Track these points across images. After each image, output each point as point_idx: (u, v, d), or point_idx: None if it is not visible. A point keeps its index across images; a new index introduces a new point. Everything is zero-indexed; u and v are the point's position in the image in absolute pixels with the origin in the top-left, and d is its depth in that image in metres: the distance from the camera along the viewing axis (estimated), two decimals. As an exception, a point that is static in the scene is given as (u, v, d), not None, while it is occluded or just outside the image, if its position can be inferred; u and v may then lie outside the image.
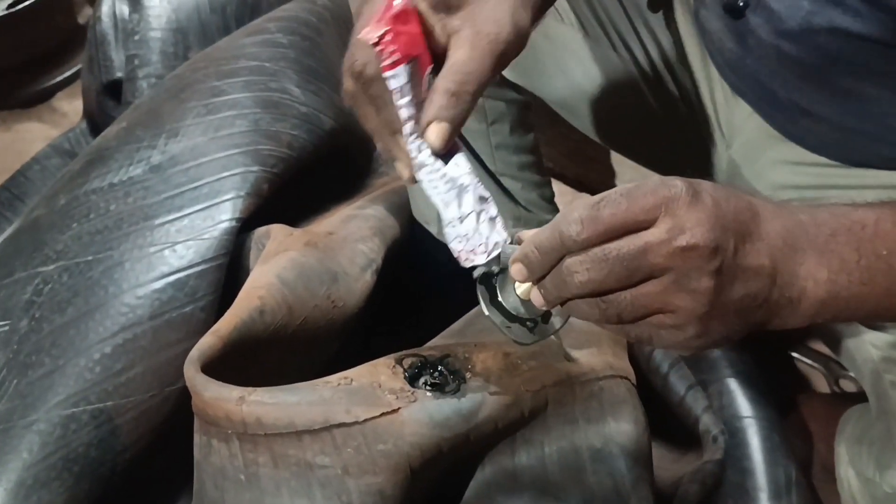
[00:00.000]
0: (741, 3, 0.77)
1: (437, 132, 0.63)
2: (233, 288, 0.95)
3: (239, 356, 0.82)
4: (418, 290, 1.18)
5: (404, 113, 0.65)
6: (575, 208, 0.56)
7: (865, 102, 0.76)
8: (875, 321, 0.69)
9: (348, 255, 0.99)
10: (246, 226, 1.01)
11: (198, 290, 0.95)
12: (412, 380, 0.76)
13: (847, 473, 0.98)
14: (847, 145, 0.84)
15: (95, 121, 1.53)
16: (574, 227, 0.56)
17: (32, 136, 1.66)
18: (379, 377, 0.75)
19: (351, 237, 1.03)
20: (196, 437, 0.78)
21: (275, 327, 0.86)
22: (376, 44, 0.63)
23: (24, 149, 1.60)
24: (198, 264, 0.96)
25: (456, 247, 0.66)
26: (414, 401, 0.73)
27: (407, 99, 0.65)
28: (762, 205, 0.58)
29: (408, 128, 0.66)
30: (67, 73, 1.75)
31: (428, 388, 0.75)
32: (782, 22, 0.73)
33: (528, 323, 0.67)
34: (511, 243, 0.65)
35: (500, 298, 0.67)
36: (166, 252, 0.97)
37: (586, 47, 1.01)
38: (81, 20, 1.78)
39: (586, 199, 0.57)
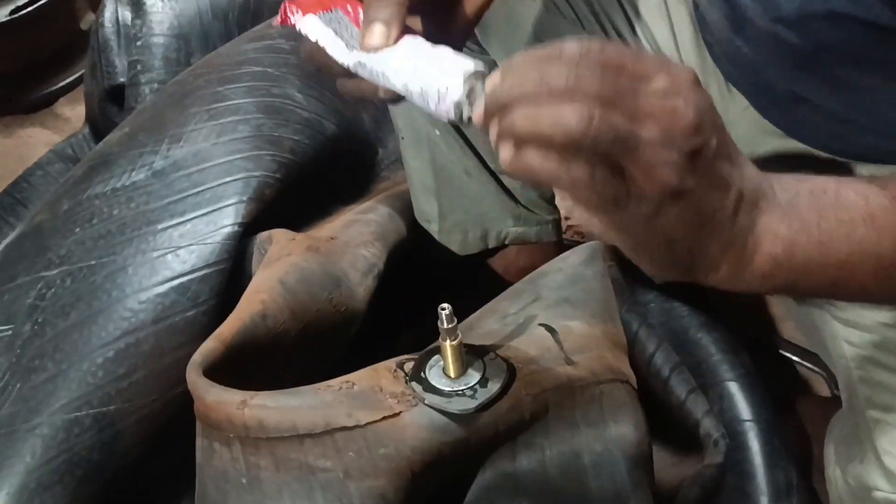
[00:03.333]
0: None
1: (371, 32, 0.63)
2: (235, 293, 0.95)
3: (241, 360, 0.82)
4: (420, 293, 1.18)
5: (341, 51, 0.65)
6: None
7: (858, 92, 0.76)
8: (826, 297, 0.67)
9: (350, 259, 1.00)
10: (248, 230, 1.02)
11: (200, 294, 0.96)
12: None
13: (835, 474, 0.99)
14: (841, 135, 0.84)
15: (98, 126, 1.53)
16: (574, 48, 0.51)
17: (35, 141, 1.67)
18: (380, 381, 0.75)
19: (353, 242, 1.03)
20: (198, 441, 0.78)
21: (277, 332, 0.87)
22: (283, 22, 0.68)
23: (26, 154, 1.61)
24: (200, 269, 0.97)
25: (434, 108, 0.60)
26: (415, 405, 0.73)
27: (339, 40, 0.65)
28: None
29: (353, 56, 0.65)
30: (70, 79, 1.76)
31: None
32: (779, 9, 0.73)
33: (466, 392, 0.72)
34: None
35: (433, 384, 0.73)
36: (169, 257, 0.97)
37: None
38: (84, 26, 1.79)
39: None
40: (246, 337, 0.83)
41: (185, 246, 0.98)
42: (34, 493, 0.89)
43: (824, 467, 1.00)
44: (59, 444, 0.90)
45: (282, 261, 0.95)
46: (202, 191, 1.03)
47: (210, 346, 0.80)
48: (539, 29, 1.03)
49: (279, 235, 1.02)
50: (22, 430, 0.91)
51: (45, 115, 1.73)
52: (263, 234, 1.04)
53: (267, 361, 0.87)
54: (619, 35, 1.01)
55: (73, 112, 1.72)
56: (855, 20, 0.68)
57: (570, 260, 0.97)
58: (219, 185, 1.03)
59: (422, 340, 0.91)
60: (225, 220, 1.00)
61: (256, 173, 1.04)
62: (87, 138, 1.58)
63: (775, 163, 0.93)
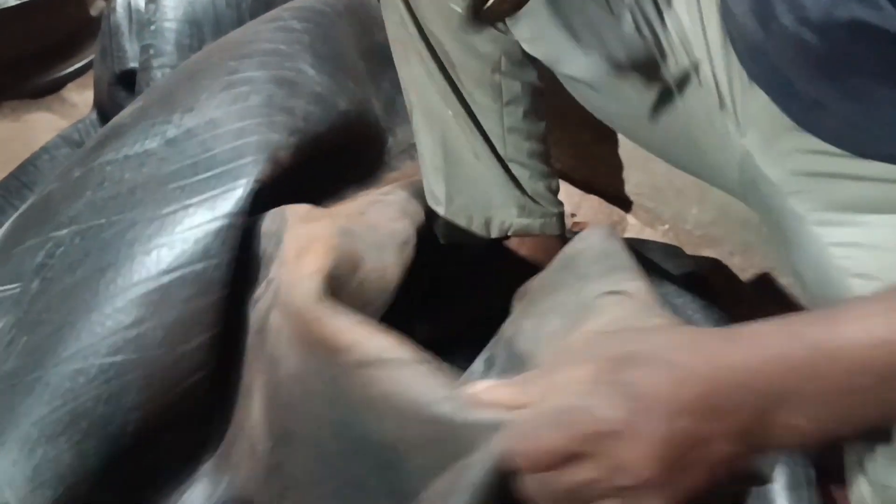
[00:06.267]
0: None
1: None
2: (246, 252, 0.95)
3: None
4: (432, 275, 1.18)
5: None
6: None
7: (873, 103, 0.77)
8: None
9: (386, 230, 0.99)
10: (262, 192, 1.00)
11: (211, 248, 0.94)
12: None
13: (858, 479, 0.97)
14: (858, 139, 0.84)
15: (106, 111, 1.54)
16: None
17: (42, 126, 1.67)
18: None
19: (383, 217, 1.03)
20: None
21: (340, 281, 0.87)
22: None
23: (33, 139, 1.61)
24: (211, 221, 0.95)
25: None
26: None
27: None
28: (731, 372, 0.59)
29: None
30: (78, 65, 1.76)
31: None
32: (805, 10, 0.74)
33: None
34: None
35: None
36: (179, 213, 0.96)
37: (610, 27, 1.01)
38: (94, 12, 1.80)
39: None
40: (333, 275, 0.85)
41: (197, 202, 0.96)
42: (37, 443, 0.87)
43: (845, 470, 0.99)
44: (63, 394, 0.88)
45: (327, 220, 0.94)
46: (216, 154, 1.01)
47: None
48: (567, 9, 1.03)
49: (295, 207, 1.01)
50: (26, 381, 0.89)
51: (53, 100, 1.73)
52: (275, 210, 1.02)
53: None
54: (648, 22, 1.01)
55: (81, 98, 1.72)
56: (878, 31, 0.69)
57: (589, 241, 0.94)
58: (232, 147, 1.02)
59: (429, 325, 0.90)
60: (240, 178, 0.99)
61: (270, 135, 1.03)
62: (94, 123, 1.58)
63: (795, 158, 0.93)
